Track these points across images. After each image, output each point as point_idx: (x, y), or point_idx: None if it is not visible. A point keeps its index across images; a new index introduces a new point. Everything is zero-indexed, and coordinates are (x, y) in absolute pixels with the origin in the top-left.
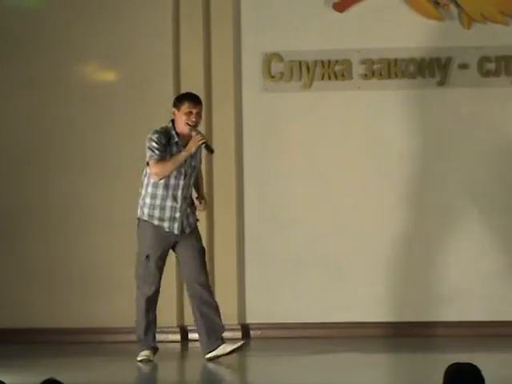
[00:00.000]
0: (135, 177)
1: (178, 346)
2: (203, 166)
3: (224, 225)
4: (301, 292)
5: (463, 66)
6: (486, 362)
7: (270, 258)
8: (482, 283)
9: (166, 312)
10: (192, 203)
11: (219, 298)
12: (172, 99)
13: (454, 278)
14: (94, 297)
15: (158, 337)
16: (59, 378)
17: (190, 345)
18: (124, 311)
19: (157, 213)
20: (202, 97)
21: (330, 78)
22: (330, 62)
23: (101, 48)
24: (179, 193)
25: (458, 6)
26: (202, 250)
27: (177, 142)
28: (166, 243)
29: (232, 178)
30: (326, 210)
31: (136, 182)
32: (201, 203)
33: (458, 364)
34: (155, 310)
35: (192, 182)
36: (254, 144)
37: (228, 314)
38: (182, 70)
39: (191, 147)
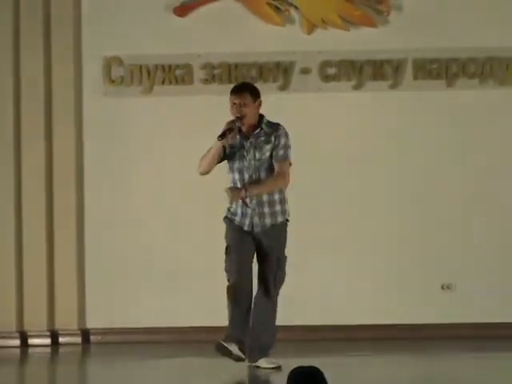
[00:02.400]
0: None
1: (18, 351)
2: (43, 171)
3: (64, 230)
4: (142, 297)
5: (304, 71)
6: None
7: (111, 263)
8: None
9: (5, 317)
10: (278, 202)
11: (59, 303)
12: (12, 103)
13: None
14: None
15: None
16: None
17: (30, 350)
18: None
19: (232, 208)
20: (42, 102)
21: (170, 83)
22: (170, 66)
23: None
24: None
25: (298, 11)
26: (274, 259)
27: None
28: (245, 236)
29: (72, 183)
30: (167, 214)
31: None
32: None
33: (301, 367)
34: None
35: (263, 176)
36: (95, 150)
37: (68, 319)
38: (22, 74)
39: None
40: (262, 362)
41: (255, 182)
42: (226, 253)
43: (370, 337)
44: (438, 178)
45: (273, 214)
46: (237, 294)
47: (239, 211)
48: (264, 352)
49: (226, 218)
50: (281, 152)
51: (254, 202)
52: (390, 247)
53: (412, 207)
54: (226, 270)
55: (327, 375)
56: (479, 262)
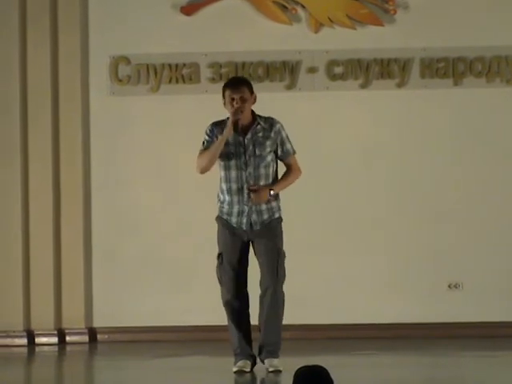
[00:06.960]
0: None
1: (25, 350)
2: (51, 168)
3: (71, 229)
4: (148, 296)
5: (311, 70)
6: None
7: (118, 263)
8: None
9: (12, 315)
10: (274, 198)
11: (66, 302)
12: (19, 101)
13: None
14: None
15: (3, 341)
16: None
17: (37, 349)
18: None
19: (225, 208)
20: (49, 100)
21: (177, 82)
22: (177, 65)
23: None
24: (244, 185)
25: (305, 10)
26: (275, 251)
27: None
28: (238, 240)
29: (79, 182)
30: (172, 213)
31: None
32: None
33: (306, 367)
34: None
35: (262, 172)
36: (102, 148)
37: (75, 317)
38: (29, 72)
39: (226, 131)
40: (269, 363)
41: (257, 178)
42: (218, 259)
43: (375, 336)
44: (444, 176)
45: (270, 210)
46: (233, 314)
47: (236, 210)
48: (272, 352)
49: (218, 217)
50: (288, 146)
51: None
52: (397, 246)
53: (419, 206)
54: (219, 280)
55: (332, 374)
56: (486, 260)
